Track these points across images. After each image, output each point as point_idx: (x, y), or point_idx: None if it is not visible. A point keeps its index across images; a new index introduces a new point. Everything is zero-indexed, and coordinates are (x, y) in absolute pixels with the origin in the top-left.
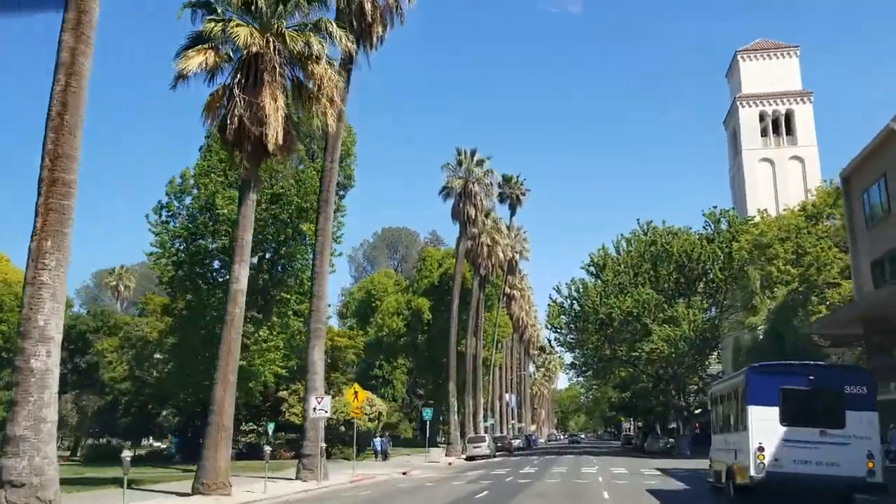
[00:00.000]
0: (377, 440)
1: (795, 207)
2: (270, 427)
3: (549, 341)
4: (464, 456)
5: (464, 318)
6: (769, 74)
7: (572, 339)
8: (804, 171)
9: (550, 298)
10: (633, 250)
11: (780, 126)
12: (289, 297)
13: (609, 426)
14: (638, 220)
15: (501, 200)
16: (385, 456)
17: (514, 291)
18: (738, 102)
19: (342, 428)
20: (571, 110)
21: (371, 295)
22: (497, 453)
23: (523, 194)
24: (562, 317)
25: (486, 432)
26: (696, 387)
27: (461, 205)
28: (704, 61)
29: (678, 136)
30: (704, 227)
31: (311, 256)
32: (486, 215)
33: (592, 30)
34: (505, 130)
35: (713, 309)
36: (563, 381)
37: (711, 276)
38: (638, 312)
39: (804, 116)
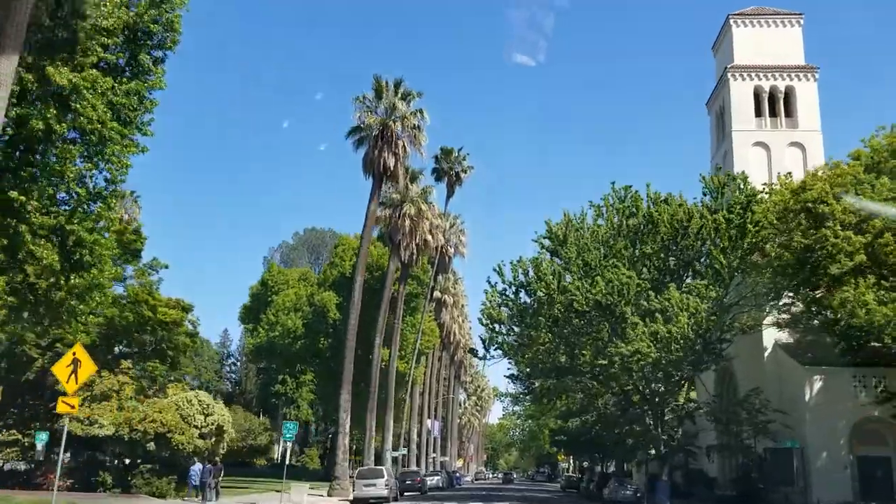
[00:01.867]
0: (195, 468)
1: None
2: (41, 440)
3: (484, 344)
4: (351, 496)
5: (376, 316)
6: (767, 44)
7: (515, 340)
8: (805, 159)
9: (489, 283)
10: (605, 223)
11: (778, 106)
12: None
13: (542, 466)
14: (612, 183)
15: (438, 177)
16: (208, 493)
17: (446, 297)
18: (728, 74)
19: (150, 446)
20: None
21: (267, 287)
22: (403, 494)
23: (465, 171)
24: (503, 308)
25: (390, 464)
26: (675, 414)
27: (376, 151)
28: (688, 35)
29: (654, 125)
30: (703, 196)
31: None
32: (413, 179)
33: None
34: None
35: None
36: (496, 413)
37: (712, 256)
38: (611, 301)
39: (807, 95)
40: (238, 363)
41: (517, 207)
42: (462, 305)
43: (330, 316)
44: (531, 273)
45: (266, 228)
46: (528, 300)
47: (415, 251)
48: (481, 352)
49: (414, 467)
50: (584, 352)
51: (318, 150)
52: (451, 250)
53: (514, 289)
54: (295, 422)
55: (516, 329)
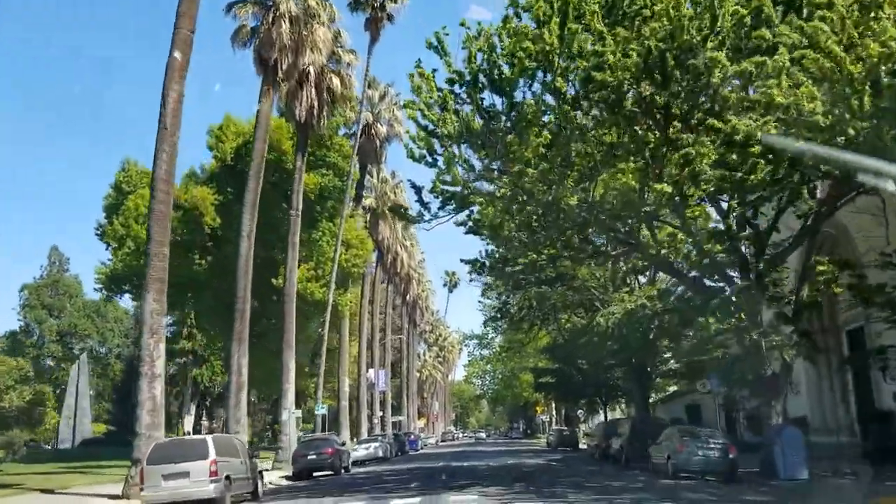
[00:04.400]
0: None
1: None
2: None
3: (417, 193)
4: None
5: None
6: None
7: (477, 178)
8: None
9: (417, 70)
10: None
11: None
12: None
13: (515, 421)
14: None
15: (354, 7)
16: None
17: (380, 203)
18: None
19: None
20: None
21: (123, 193)
22: (309, 475)
23: (395, 1)
24: (446, 116)
25: (292, 427)
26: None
27: None
28: None
29: None
30: None
31: None
32: None
33: None
34: None
35: None
36: (462, 371)
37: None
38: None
39: None
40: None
41: None
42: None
43: (206, 222)
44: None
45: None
46: (500, 101)
47: (315, 102)
48: (416, 209)
49: (326, 433)
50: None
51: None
52: (382, 127)
53: (470, 79)
54: None
55: (478, 161)
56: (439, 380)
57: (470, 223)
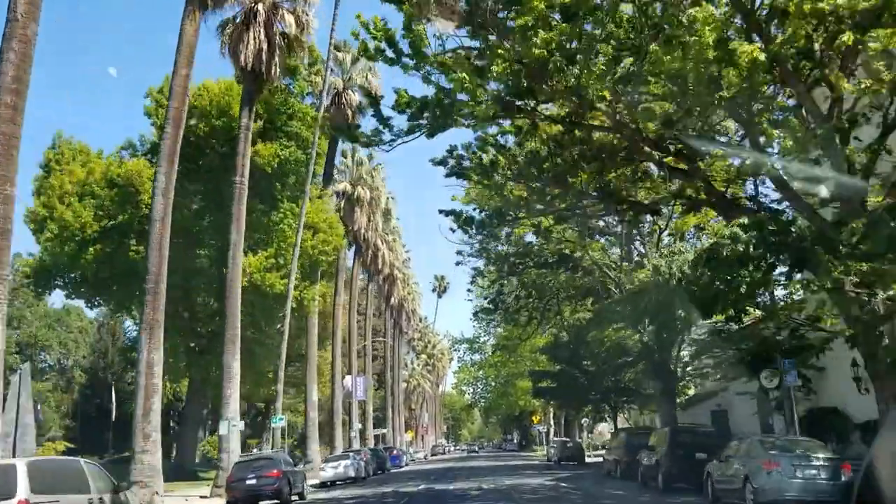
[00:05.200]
0: None
1: None
2: None
3: (372, 103)
4: None
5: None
6: None
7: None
8: None
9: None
10: None
11: None
12: None
13: (509, 433)
14: None
15: None
16: None
17: (360, 190)
18: None
19: None
20: None
21: (52, 173)
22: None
23: None
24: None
25: (234, 444)
26: None
27: None
28: None
29: None
30: None
31: None
32: None
33: None
34: None
35: None
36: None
37: None
38: None
39: None
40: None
41: None
42: (387, 208)
43: (144, 201)
44: None
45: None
46: None
47: (264, 46)
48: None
49: (273, 451)
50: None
51: None
52: (355, 98)
53: None
54: None
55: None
56: (428, 390)
57: (452, 162)
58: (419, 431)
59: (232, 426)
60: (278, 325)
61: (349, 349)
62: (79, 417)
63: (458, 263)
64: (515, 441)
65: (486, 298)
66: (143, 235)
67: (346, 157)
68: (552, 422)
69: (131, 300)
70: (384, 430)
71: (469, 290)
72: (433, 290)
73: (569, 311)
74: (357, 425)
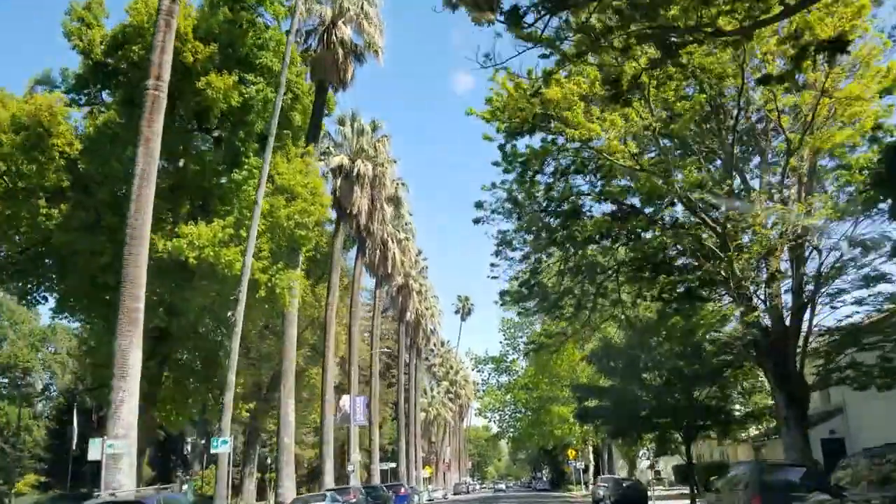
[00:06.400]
0: None
1: None
2: None
3: None
4: None
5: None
6: None
7: None
8: None
9: None
10: None
11: None
12: None
13: (538, 469)
14: None
15: None
16: None
17: (361, 164)
18: None
19: None
20: None
21: None
22: None
23: None
24: None
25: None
26: None
27: None
28: None
29: None
30: None
31: None
32: None
33: None
34: None
35: None
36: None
37: None
38: None
39: None
40: None
41: None
42: (397, 196)
43: (59, 146)
44: None
45: None
46: None
47: None
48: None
49: (166, 486)
50: None
51: None
52: (348, 32)
53: None
54: None
55: None
56: (450, 421)
57: None
58: (440, 467)
59: (114, 451)
60: (264, 323)
61: (349, 362)
62: (52, 449)
63: (496, 251)
64: (546, 479)
65: (516, 279)
66: (58, 195)
67: (343, 125)
68: (591, 457)
69: (37, 273)
70: (393, 465)
71: (493, 266)
72: (456, 312)
73: (629, 298)
74: (355, 456)
